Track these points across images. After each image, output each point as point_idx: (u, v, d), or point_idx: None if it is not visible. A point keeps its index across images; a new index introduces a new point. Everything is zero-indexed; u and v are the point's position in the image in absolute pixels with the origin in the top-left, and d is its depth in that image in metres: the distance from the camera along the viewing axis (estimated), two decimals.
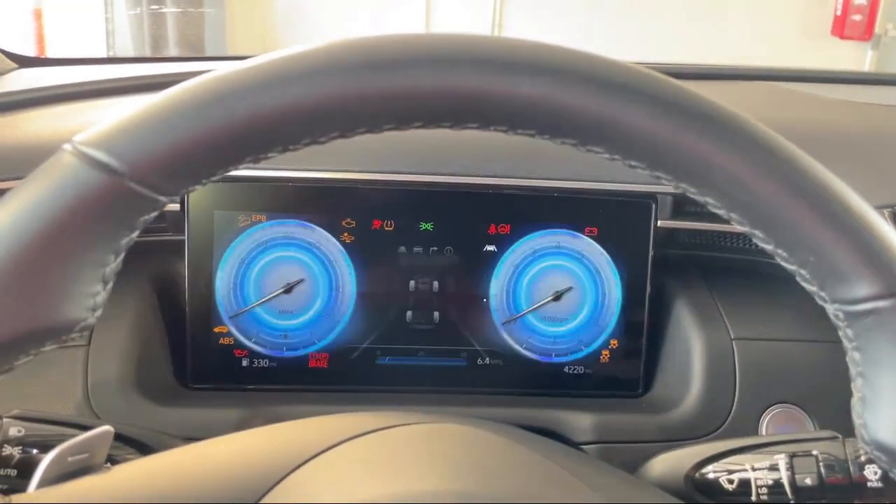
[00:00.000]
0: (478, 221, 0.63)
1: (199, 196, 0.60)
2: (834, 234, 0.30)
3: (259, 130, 0.28)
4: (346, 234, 0.62)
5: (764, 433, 0.60)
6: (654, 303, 0.65)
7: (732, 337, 0.62)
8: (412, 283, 0.63)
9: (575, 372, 0.65)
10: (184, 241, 0.61)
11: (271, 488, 0.33)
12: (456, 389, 0.63)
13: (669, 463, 0.47)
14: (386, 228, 0.62)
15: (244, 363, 0.62)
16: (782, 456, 0.44)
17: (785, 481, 0.43)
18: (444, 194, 0.62)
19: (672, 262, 0.67)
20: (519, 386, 0.64)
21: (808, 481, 0.42)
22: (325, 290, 0.62)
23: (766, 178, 0.30)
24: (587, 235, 0.64)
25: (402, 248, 0.63)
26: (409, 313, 0.63)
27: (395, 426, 0.38)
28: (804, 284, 0.33)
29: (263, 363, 0.62)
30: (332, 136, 0.30)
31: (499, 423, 0.42)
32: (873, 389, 0.31)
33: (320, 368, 0.63)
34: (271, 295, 0.61)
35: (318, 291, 0.62)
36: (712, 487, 0.45)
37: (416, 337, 0.63)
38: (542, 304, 0.64)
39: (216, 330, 0.62)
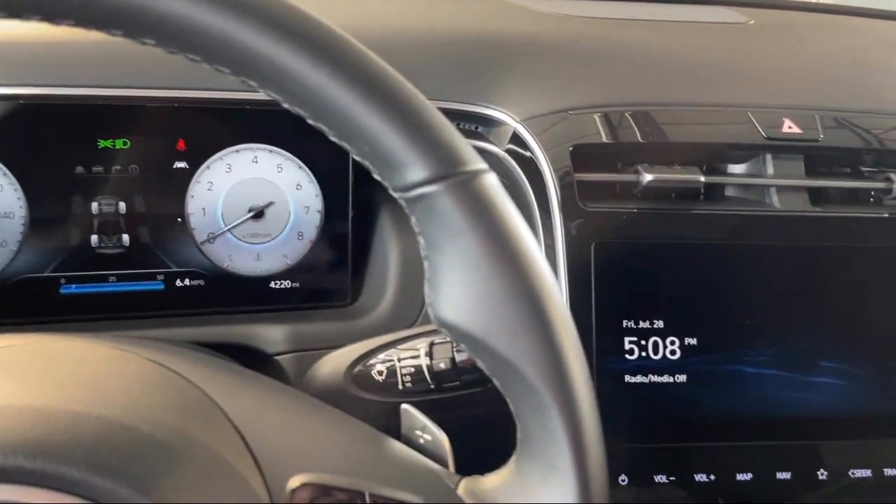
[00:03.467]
0: (164, 137, 0.60)
1: None
2: (381, 123, 0.31)
3: None
4: (10, 155, 0.57)
5: None
6: (359, 214, 0.66)
7: None
8: (94, 205, 0.59)
9: (282, 286, 0.65)
10: None
11: None
12: (154, 314, 0.62)
13: (333, 362, 0.49)
14: (58, 147, 0.58)
15: None
16: (424, 345, 0.46)
17: (424, 367, 0.46)
18: (125, 109, 0.59)
19: None
20: (223, 305, 0.63)
21: (443, 365, 0.45)
22: None
23: (313, 70, 0.31)
24: (285, 149, 0.63)
25: (80, 169, 0.59)
26: (93, 237, 0.60)
27: None
28: (375, 176, 0.34)
29: None
30: None
31: (135, 339, 0.41)
32: (434, 271, 0.33)
33: None
34: None
35: None
36: (366, 380, 0.47)
37: (105, 262, 0.60)
38: (242, 221, 0.63)
39: None
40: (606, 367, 0.57)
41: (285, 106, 0.33)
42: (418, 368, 0.46)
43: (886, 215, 0.63)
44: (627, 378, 0.57)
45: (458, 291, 0.32)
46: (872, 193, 0.65)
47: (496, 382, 0.34)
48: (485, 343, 0.32)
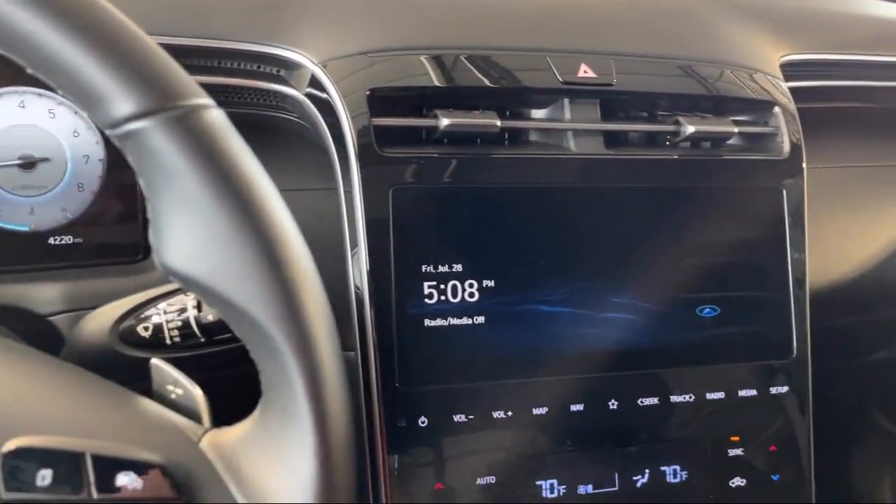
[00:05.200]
0: None
1: None
2: (75, 51, 0.28)
3: None
4: None
5: None
6: None
7: None
8: None
9: (62, 242, 0.60)
10: None
11: None
12: None
13: (97, 319, 0.46)
14: None
15: None
16: (192, 297, 0.44)
17: (192, 320, 0.44)
18: None
19: None
20: None
21: (211, 317, 0.43)
22: None
23: None
24: (57, 93, 0.57)
25: None
26: None
27: None
28: (83, 113, 0.31)
29: None
30: None
31: None
32: (155, 213, 0.31)
33: None
34: None
35: None
36: (132, 337, 0.44)
37: None
38: (9, 169, 0.57)
39: None
40: (406, 312, 0.57)
41: None
42: (186, 322, 0.43)
43: (676, 157, 0.66)
44: (427, 322, 0.57)
45: (181, 235, 0.30)
46: (668, 137, 0.68)
47: (234, 330, 0.33)
48: (213, 289, 0.30)
